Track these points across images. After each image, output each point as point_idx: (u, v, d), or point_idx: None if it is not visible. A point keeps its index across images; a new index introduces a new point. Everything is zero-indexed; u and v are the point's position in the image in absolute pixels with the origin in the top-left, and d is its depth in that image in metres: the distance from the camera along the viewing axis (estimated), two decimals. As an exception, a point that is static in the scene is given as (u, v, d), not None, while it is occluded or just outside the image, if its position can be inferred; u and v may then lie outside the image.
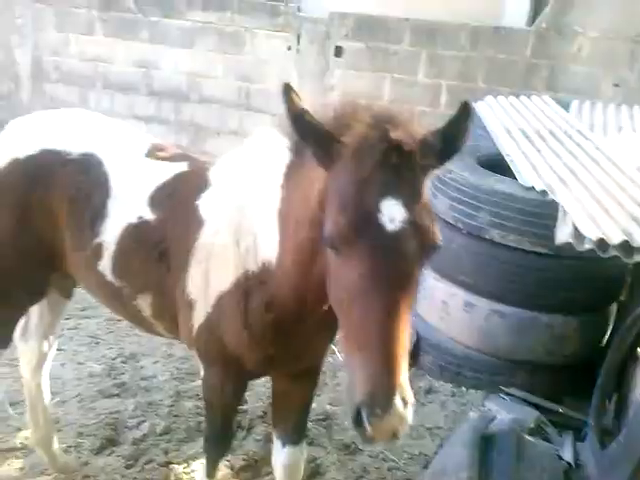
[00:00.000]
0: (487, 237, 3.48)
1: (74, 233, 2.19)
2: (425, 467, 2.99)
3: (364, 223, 1.42)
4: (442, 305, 3.77)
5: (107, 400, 3.34)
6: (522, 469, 2.75)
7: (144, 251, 2.10)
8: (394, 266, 1.40)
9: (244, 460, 2.93)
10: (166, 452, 2.99)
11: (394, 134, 1.47)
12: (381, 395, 1.29)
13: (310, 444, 3.11)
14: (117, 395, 3.41)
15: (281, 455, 2.32)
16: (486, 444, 2.83)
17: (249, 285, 1.90)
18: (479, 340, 3.63)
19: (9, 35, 7.26)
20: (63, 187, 2.17)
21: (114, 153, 2.22)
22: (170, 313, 2.14)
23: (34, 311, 2.73)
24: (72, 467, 2.85)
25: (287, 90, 1.55)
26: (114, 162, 2.19)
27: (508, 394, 3.51)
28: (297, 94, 1.58)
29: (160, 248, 2.08)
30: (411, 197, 1.45)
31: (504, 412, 3.27)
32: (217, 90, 6.50)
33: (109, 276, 2.17)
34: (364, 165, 1.46)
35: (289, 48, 6.30)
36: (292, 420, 2.30)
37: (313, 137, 1.52)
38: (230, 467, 2.90)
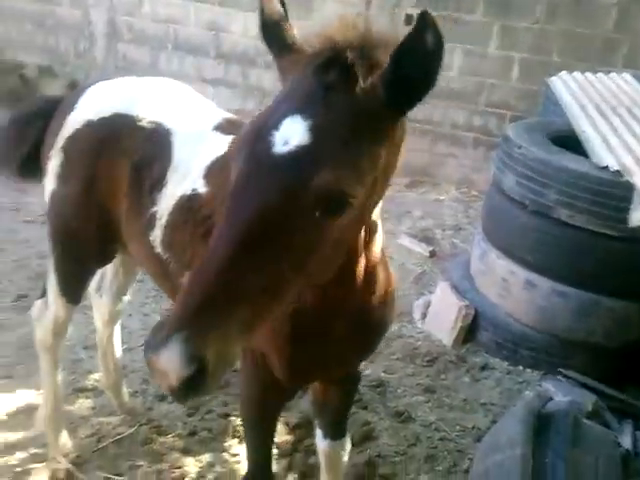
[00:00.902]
0: (554, 216, 3.41)
1: (133, 201, 2.15)
2: (477, 441, 3.00)
3: (253, 136, 1.22)
4: (502, 282, 3.73)
5: (171, 351, 3.49)
6: (578, 452, 2.72)
7: (192, 226, 1.97)
8: (263, 197, 1.14)
9: (299, 418, 3.02)
10: (225, 404, 3.11)
11: (349, 54, 1.22)
12: (161, 331, 1.09)
13: (364, 408, 3.19)
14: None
15: (322, 444, 2.30)
16: (542, 424, 2.81)
17: None
18: (538, 319, 3.59)
19: (85, -5, 7.45)
20: (129, 153, 2.15)
21: (182, 123, 2.16)
22: None
23: (109, 270, 2.87)
24: (138, 410, 3.02)
25: None
26: (180, 132, 2.14)
27: (566, 376, 3.47)
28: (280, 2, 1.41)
29: (207, 225, 1.91)
30: (331, 127, 1.18)
31: (561, 394, 3.24)
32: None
33: (158, 248, 2.09)
34: (296, 77, 1.28)
35: (358, 15, 6.23)
36: (331, 420, 2.25)
37: (277, 46, 1.37)
38: (285, 424, 3.00)
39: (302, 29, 1.40)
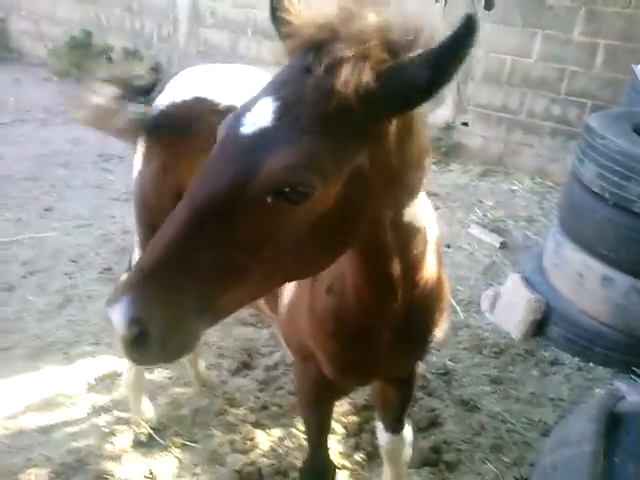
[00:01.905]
0: (636, 210, 3.29)
1: None
2: (544, 435, 2.98)
3: (231, 118, 1.22)
4: (577, 277, 3.64)
5: (244, 328, 3.64)
6: (649, 454, 2.67)
7: None
8: (221, 172, 1.13)
9: (366, 400, 3.09)
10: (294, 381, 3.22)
11: (334, 41, 1.15)
12: (117, 290, 1.12)
13: (429, 395, 3.22)
14: (253, 324, 3.70)
15: (383, 437, 2.32)
16: (613, 422, 2.76)
17: None
18: (614, 317, 3.49)
19: (170, -20, 7.70)
20: (205, 137, 2.08)
21: None
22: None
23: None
24: (212, 383, 3.18)
25: None
26: None
27: (640, 376, 3.38)
28: None
29: None
30: (296, 112, 1.13)
31: (634, 393, 3.15)
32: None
33: None
34: (285, 63, 1.25)
35: (437, 0, 6.13)
36: (389, 415, 2.25)
37: (281, 31, 1.32)
38: (353, 405, 3.08)
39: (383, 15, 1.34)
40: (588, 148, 3.54)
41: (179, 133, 2.28)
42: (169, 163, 2.31)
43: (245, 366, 3.34)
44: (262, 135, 1.13)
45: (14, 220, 4.72)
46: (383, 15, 1.23)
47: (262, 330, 3.65)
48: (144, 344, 1.09)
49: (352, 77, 1.11)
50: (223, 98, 2.25)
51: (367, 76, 1.11)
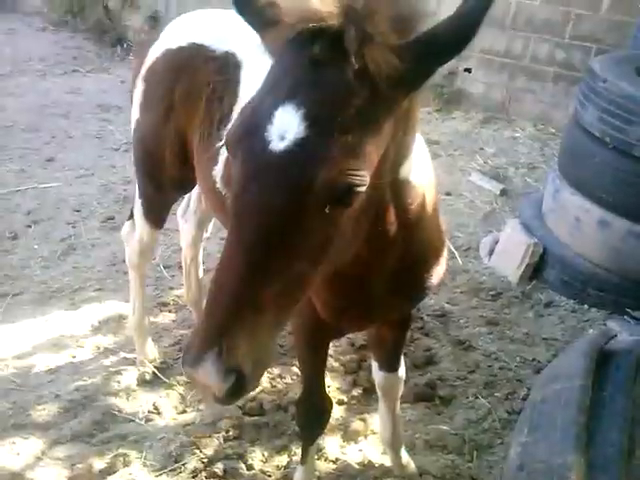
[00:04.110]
0: (636, 154, 3.28)
1: (203, 133, 2.17)
2: (537, 372, 3.07)
3: (247, 132, 1.12)
4: (574, 221, 3.66)
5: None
6: (639, 389, 2.75)
7: None
8: (267, 201, 1.08)
9: (363, 340, 3.17)
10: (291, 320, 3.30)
11: (339, 22, 1.09)
12: (193, 348, 1.09)
13: (426, 335, 3.31)
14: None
15: (377, 375, 2.36)
16: (604, 359, 2.84)
17: None
18: (610, 259, 3.53)
19: None
20: (202, 84, 2.17)
21: (252, 57, 2.08)
22: None
23: (193, 198, 3.04)
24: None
25: None
26: (249, 67, 2.10)
27: (634, 317, 3.44)
28: None
29: None
30: (328, 112, 1.08)
31: (626, 333, 3.23)
32: None
33: (219, 183, 2.12)
34: (281, 56, 1.17)
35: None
36: (385, 354, 2.28)
37: (254, 19, 1.27)
38: (351, 344, 3.17)
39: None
40: (590, 92, 3.51)
41: (176, 81, 2.25)
42: (169, 110, 2.30)
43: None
44: (301, 147, 1.06)
45: (17, 170, 4.74)
46: None
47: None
48: (241, 387, 1.09)
49: (379, 62, 1.08)
50: (219, 44, 2.21)
51: (392, 57, 1.08)
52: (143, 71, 2.39)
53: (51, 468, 2.42)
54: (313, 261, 1.16)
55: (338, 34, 1.09)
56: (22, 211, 4.25)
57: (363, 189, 1.11)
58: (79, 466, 2.41)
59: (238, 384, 1.08)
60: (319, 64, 1.09)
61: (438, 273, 1.80)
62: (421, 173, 1.51)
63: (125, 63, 7.24)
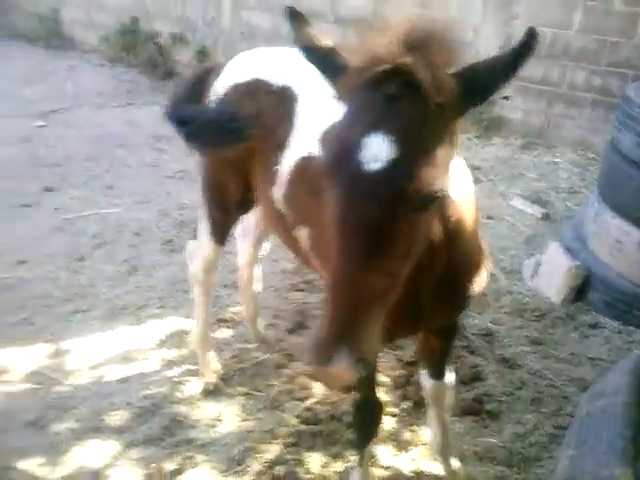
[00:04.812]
0: (674, 178, 3.39)
1: (262, 158, 2.44)
2: (583, 390, 3.15)
3: (341, 159, 1.34)
4: (615, 243, 3.76)
5: (297, 293, 3.92)
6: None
7: (304, 185, 2.18)
8: (369, 212, 1.29)
9: (411, 356, 3.32)
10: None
11: (408, 62, 1.32)
12: (323, 347, 1.29)
13: (472, 353, 3.43)
14: (304, 290, 3.96)
15: (427, 383, 2.48)
16: (648, 377, 2.91)
17: None
18: (652, 281, 3.61)
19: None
20: (263, 115, 2.41)
21: (308, 91, 2.33)
22: (323, 250, 2.18)
23: (251, 219, 3.27)
24: (270, 340, 3.46)
25: (293, 16, 1.53)
26: (305, 99, 2.33)
27: (678, 337, 3.49)
28: (304, 18, 1.55)
29: (316, 184, 2.05)
30: (409, 136, 1.30)
31: (671, 351, 3.28)
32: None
33: (277, 202, 2.34)
34: (358, 94, 1.37)
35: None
36: (432, 363, 2.42)
37: (325, 66, 1.47)
38: (399, 360, 3.32)
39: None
40: (626, 117, 3.64)
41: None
42: None
43: (300, 326, 3.61)
44: (393, 166, 1.28)
45: (80, 197, 5.09)
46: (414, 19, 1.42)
47: (312, 295, 3.91)
48: (366, 373, 1.32)
49: (444, 92, 1.33)
50: (278, 80, 2.44)
51: (452, 87, 1.35)
52: (211, 102, 2.62)
53: (127, 468, 2.63)
54: (404, 259, 1.39)
55: (407, 72, 1.32)
56: (87, 235, 4.56)
57: (440, 195, 1.36)
58: (152, 466, 2.62)
59: (364, 371, 1.30)
60: (395, 98, 1.33)
61: (479, 283, 1.99)
62: (460, 190, 1.73)
63: (175, 95, 7.64)
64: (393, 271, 1.36)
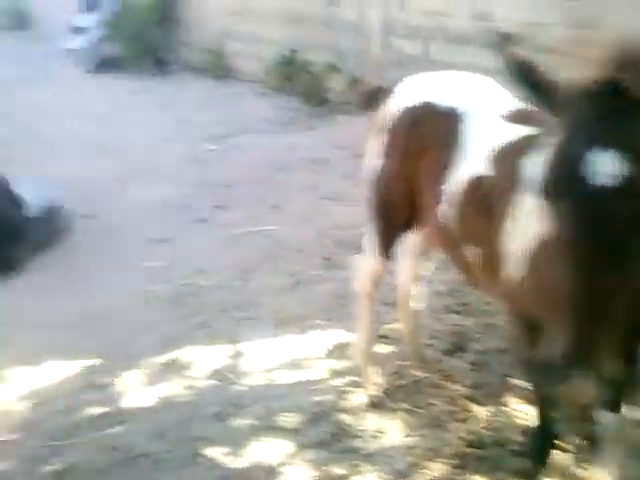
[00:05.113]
0: None
1: (427, 177, 2.57)
2: None
3: (565, 177, 1.37)
4: None
5: (452, 315, 3.95)
6: None
7: (474, 203, 2.30)
8: (601, 229, 1.33)
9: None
10: (502, 365, 3.42)
11: (626, 78, 1.36)
12: (566, 366, 1.36)
13: None
14: (459, 312, 3.98)
15: (602, 416, 2.36)
16: None
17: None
18: None
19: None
20: (429, 136, 2.58)
21: (475, 112, 2.47)
22: (492, 267, 2.24)
23: (414, 237, 3.37)
24: (428, 360, 3.52)
25: (502, 41, 1.60)
26: (472, 120, 2.46)
27: None
28: (510, 39, 1.59)
29: (486, 202, 2.24)
30: (635, 150, 1.33)
31: None
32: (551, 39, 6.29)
33: (444, 220, 2.45)
34: (577, 112, 1.40)
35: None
36: (609, 393, 2.24)
37: (536, 89, 1.52)
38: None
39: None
40: None
41: (412, 134, 2.67)
42: (405, 159, 2.71)
43: (457, 348, 3.63)
44: (629, 181, 1.33)
45: (248, 215, 5.56)
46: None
47: (468, 318, 3.92)
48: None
49: None
50: (443, 101, 2.60)
51: None
52: (384, 124, 2.82)
53: (300, 468, 2.82)
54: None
55: (626, 88, 1.36)
56: (254, 248, 4.96)
57: None
58: (323, 468, 2.78)
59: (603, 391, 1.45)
60: (617, 114, 1.37)
61: None
62: None
63: (327, 121, 8.06)
64: (633, 288, 1.41)
